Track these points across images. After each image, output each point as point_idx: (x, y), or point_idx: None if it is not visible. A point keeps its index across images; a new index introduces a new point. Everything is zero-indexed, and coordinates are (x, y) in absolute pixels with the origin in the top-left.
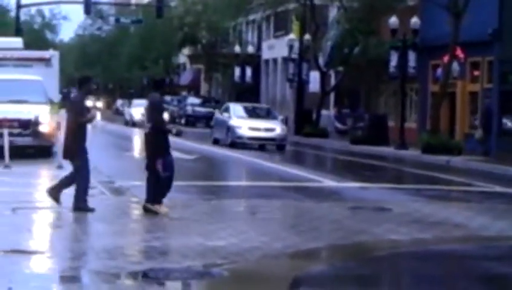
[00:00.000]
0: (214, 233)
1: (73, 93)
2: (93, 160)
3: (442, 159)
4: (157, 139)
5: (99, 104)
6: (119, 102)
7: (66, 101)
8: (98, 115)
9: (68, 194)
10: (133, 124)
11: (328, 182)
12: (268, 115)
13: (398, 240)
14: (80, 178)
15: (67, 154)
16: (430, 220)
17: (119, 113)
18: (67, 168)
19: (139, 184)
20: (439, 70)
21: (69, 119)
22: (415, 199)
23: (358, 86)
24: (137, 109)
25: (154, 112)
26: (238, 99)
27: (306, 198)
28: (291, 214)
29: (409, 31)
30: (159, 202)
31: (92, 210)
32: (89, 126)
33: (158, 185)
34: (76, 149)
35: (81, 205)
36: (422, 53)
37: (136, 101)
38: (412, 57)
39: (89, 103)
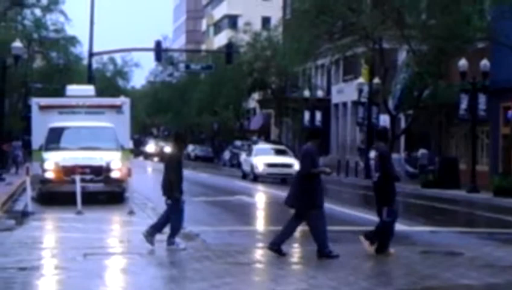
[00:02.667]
0: (283, 277)
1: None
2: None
3: None
4: (386, 188)
5: (168, 149)
6: (190, 147)
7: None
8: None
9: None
10: (255, 177)
11: (399, 226)
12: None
13: (470, 285)
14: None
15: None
16: (502, 264)
17: (190, 158)
18: (139, 214)
19: (208, 229)
20: (510, 113)
21: None
22: (487, 242)
23: (429, 129)
24: (263, 158)
25: (384, 161)
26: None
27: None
28: (360, 258)
29: (479, 74)
30: (373, 243)
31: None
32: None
33: (380, 229)
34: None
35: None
36: (492, 95)
37: (258, 148)
38: (482, 99)
39: (151, 147)
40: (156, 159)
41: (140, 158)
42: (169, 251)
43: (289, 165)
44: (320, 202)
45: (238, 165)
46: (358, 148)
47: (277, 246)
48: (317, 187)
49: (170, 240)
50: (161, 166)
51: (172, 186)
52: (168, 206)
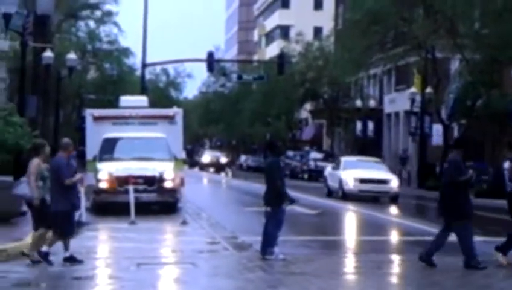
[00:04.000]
0: (333, 288)
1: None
2: (216, 216)
3: None
4: None
5: (223, 159)
6: (242, 158)
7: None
8: (229, 173)
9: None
10: (344, 195)
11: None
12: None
13: None
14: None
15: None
16: None
17: (242, 168)
18: (192, 224)
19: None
20: None
21: None
22: None
23: (482, 139)
24: (354, 173)
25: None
26: (360, 153)
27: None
28: (411, 268)
29: None
30: (505, 254)
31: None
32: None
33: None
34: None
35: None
36: None
37: (347, 160)
38: None
39: (206, 158)
40: (211, 169)
41: (196, 169)
42: (266, 261)
43: (385, 181)
44: (468, 212)
45: (291, 175)
46: (400, 158)
47: (427, 256)
48: (464, 197)
49: (269, 250)
50: (216, 176)
51: (277, 194)
52: (267, 215)
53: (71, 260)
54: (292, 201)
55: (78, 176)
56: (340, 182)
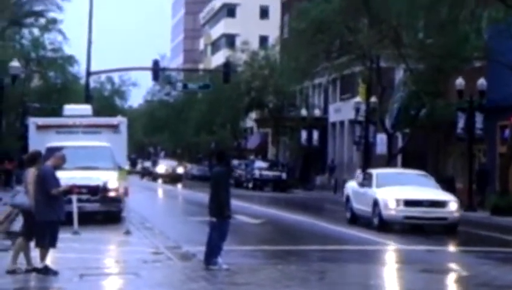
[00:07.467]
0: None
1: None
2: (160, 225)
3: (511, 220)
4: None
5: (180, 169)
6: (188, 167)
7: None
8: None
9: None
10: (383, 223)
11: (395, 245)
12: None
13: None
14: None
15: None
16: (498, 284)
17: (187, 178)
18: (135, 234)
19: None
20: (507, 131)
21: None
22: (483, 261)
23: (426, 148)
24: (395, 191)
25: None
26: (304, 162)
27: (367, 261)
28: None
29: (476, 92)
30: None
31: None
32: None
33: None
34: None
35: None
36: (489, 114)
37: (384, 173)
38: (479, 118)
39: (161, 168)
40: (166, 180)
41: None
42: (210, 271)
43: (442, 204)
44: None
45: (236, 184)
46: (328, 167)
47: None
48: None
49: (212, 260)
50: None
51: (221, 204)
52: (212, 225)
53: (46, 271)
54: (229, 217)
55: (64, 186)
56: (376, 204)
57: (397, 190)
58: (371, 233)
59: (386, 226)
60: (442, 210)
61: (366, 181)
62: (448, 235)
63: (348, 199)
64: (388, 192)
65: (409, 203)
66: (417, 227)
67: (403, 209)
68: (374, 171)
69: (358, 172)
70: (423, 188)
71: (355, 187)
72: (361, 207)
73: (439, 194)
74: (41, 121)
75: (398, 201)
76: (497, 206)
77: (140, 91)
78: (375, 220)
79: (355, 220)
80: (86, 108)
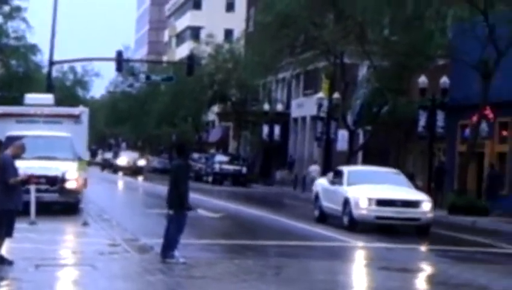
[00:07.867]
0: None
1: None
2: (118, 217)
3: (468, 220)
4: None
5: (142, 162)
6: (150, 159)
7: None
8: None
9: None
10: (353, 223)
11: (356, 242)
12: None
13: None
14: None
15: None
16: (455, 282)
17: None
18: (93, 225)
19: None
20: (468, 130)
21: None
22: (441, 260)
23: (387, 145)
24: (367, 190)
25: None
26: (265, 156)
27: (327, 257)
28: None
29: (438, 91)
30: None
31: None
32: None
33: None
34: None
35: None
36: (451, 113)
37: (355, 171)
38: (440, 116)
39: (123, 160)
40: (127, 172)
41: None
42: (166, 264)
43: (415, 204)
44: None
45: (196, 177)
46: (288, 163)
47: None
48: None
49: (169, 253)
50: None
51: (181, 197)
52: (170, 218)
53: (1, 261)
54: (189, 209)
55: (22, 175)
56: (347, 203)
57: (369, 188)
58: (337, 231)
59: (356, 226)
60: (415, 210)
61: (337, 179)
62: (419, 235)
63: (317, 196)
64: (360, 190)
65: (381, 202)
66: (388, 226)
67: (375, 209)
68: (346, 169)
69: (312, 168)
70: (396, 187)
71: (325, 185)
72: (331, 205)
73: (412, 194)
74: (2, 109)
75: (370, 200)
76: (455, 205)
77: (103, 82)
78: (345, 220)
79: (325, 219)
80: (48, 97)
